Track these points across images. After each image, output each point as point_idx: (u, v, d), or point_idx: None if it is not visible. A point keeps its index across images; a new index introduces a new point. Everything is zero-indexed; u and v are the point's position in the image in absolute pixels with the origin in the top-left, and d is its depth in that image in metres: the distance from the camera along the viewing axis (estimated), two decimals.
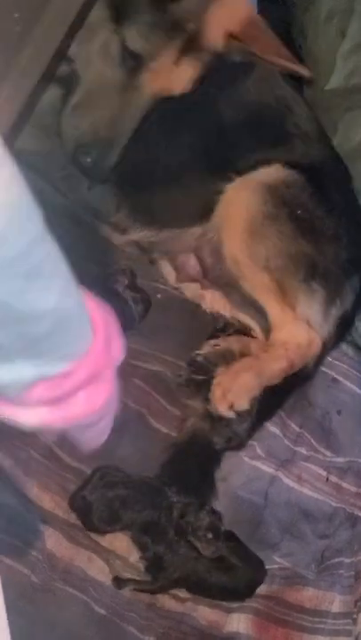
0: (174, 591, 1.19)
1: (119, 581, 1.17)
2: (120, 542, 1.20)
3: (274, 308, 1.31)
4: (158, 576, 1.17)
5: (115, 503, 1.19)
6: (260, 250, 1.30)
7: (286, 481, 1.31)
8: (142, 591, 1.17)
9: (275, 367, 1.27)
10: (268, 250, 1.30)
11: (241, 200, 1.33)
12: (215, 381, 1.26)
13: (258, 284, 1.32)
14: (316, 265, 1.31)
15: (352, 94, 1.66)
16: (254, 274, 1.31)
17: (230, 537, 1.21)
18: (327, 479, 1.33)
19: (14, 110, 1.00)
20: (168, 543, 1.18)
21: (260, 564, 1.21)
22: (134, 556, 1.19)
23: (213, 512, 1.20)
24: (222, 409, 1.24)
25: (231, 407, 1.24)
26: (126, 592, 1.17)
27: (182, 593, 1.19)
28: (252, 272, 1.31)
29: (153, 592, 1.18)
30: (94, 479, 1.20)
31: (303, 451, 1.34)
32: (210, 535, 1.17)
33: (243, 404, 1.24)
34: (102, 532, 1.19)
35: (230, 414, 1.24)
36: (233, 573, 1.19)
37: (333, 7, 1.67)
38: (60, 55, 1.15)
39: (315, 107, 1.62)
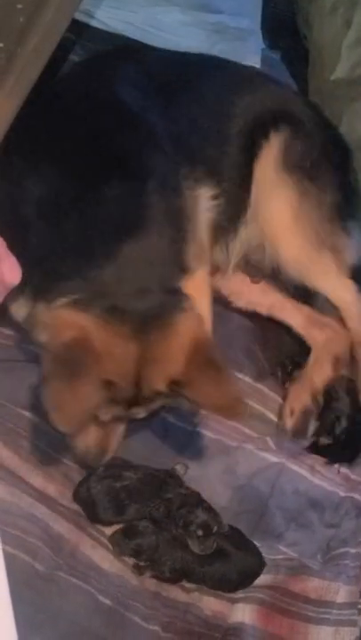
0: None
1: (140, 568, 1.17)
2: None
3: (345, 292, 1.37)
4: (152, 566, 1.18)
5: (120, 495, 1.19)
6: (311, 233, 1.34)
7: (297, 469, 1.32)
8: (158, 579, 1.17)
9: None
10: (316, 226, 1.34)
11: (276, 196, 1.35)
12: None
13: (324, 268, 1.36)
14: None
15: (357, 85, 1.66)
16: (318, 259, 1.35)
17: (232, 530, 1.21)
18: (338, 471, 1.34)
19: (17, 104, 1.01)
20: (162, 533, 1.18)
21: (257, 554, 1.21)
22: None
23: (210, 510, 1.20)
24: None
25: None
26: (131, 581, 1.17)
27: (188, 583, 1.19)
28: (314, 258, 1.35)
29: (168, 581, 1.18)
30: (99, 470, 1.19)
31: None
32: (200, 532, 1.18)
33: None
34: (107, 524, 1.19)
35: None
36: (226, 562, 1.19)
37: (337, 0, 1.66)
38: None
39: (320, 97, 1.62)
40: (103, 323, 1.04)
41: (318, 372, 1.37)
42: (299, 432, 1.35)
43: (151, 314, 1.06)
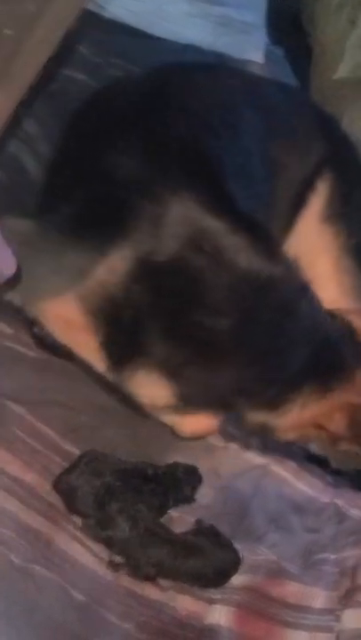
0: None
1: (114, 565, 1.15)
2: None
3: None
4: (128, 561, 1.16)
5: (100, 491, 1.17)
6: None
7: (281, 473, 1.30)
8: (134, 576, 1.16)
9: None
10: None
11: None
12: None
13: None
14: None
15: (360, 85, 1.65)
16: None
17: (210, 527, 1.20)
18: (325, 477, 1.33)
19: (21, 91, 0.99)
20: (137, 528, 1.16)
21: (233, 551, 1.19)
22: None
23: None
24: None
25: None
26: (106, 578, 1.15)
27: (163, 581, 1.17)
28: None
29: (143, 578, 1.16)
30: (81, 464, 1.18)
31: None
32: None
33: None
34: (85, 517, 1.18)
35: None
36: (202, 558, 1.17)
37: None
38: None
39: (322, 95, 1.61)
40: None
41: None
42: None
43: None
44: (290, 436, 1.17)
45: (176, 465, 1.23)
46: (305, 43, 1.77)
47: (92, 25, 1.58)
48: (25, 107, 1.15)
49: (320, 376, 1.12)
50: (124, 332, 1.10)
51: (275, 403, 1.11)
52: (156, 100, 1.22)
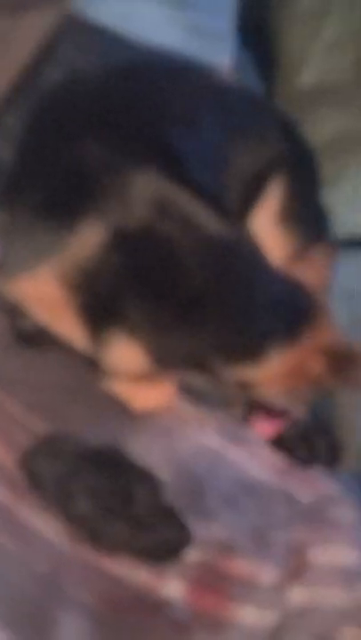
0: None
1: (75, 539, 1.20)
2: None
3: None
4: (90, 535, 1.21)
5: (63, 470, 1.21)
6: None
7: (235, 456, 1.35)
8: (95, 549, 1.21)
9: None
10: None
11: None
12: None
13: None
14: None
15: (323, 91, 1.70)
16: None
17: (166, 505, 1.25)
18: (278, 461, 1.38)
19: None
20: (98, 503, 1.21)
21: (185, 528, 1.25)
22: None
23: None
24: None
25: None
26: (67, 551, 1.20)
27: (121, 556, 1.22)
28: None
29: (104, 552, 1.21)
30: (45, 444, 1.22)
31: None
32: None
33: None
34: (47, 494, 1.22)
35: None
36: (154, 535, 1.22)
37: (309, 6, 1.71)
38: None
39: (285, 101, 1.66)
40: None
41: None
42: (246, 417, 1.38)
43: None
44: (273, 388, 1.22)
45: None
46: (272, 48, 1.82)
47: (72, 28, 1.62)
48: (6, 104, 1.20)
49: (290, 323, 1.19)
50: (100, 301, 1.16)
51: (253, 353, 1.18)
52: (120, 93, 1.28)
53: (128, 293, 1.16)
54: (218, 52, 1.79)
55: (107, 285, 1.16)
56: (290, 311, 1.21)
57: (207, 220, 1.17)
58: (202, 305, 1.17)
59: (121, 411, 1.30)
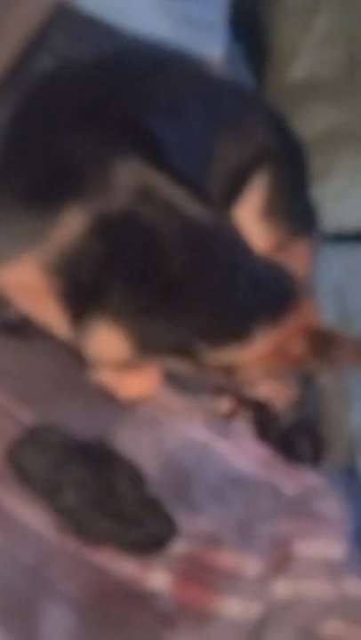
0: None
1: (62, 531, 1.20)
2: None
3: None
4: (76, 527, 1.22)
5: (51, 462, 1.22)
6: None
7: (222, 449, 1.36)
8: (80, 541, 1.21)
9: None
10: None
11: None
12: None
13: None
14: None
15: (314, 85, 1.70)
16: None
17: (151, 498, 1.26)
18: (263, 453, 1.39)
19: None
20: (85, 495, 1.22)
21: (171, 522, 1.26)
22: None
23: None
24: None
25: None
26: (53, 541, 1.20)
27: (107, 547, 1.23)
28: None
29: (89, 544, 1.22)
30: (33, 436, 1.23)
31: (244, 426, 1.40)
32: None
33: None
34: (35, 486, 1.22)
35: None
36: (140, 529, 1.24)
37: (301, 0, 1.71)
38: None
39: (275, 94, 1.66)
40: None
41: None
42: (233, 415, 1.40)
43: None
44: (256, 371, 1.22)
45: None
46: (264, 41, 1.82)
47: (63, 17, 1.62)
48: None
49: (273, 305, 1.20)
50: (81, 287, 1.16)
51: (237, 336, 1.18)
52: (107, 82, 1.28)
53: (109, 279, 1.16)
54: (209, 42, 1.79)
55: (88, 272, 1.16)
56: (273, 293, 1.21)
57: (188, 206, 1.17)
58: (183, 290, 1.17)
59: (109, 402, 1.31)
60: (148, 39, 1.61)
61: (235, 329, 1.19)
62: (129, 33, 1.66)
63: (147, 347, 1.20)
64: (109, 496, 1.23)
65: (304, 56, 1.71)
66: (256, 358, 1.21)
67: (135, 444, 1.30)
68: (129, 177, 1.15)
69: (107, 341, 1.19)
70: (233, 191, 1.34)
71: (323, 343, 1.21)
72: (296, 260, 1.32)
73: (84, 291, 1.17)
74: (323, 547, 1.32)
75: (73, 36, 1.63)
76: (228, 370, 1.23)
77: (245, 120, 1.39)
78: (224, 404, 1.39)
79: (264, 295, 1.21)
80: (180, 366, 1.24)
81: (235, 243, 1.22)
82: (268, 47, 1.78)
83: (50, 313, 1.20)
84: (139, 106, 1.25)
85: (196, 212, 1.17)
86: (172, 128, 1.25)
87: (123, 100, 1.25)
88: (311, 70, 1.70)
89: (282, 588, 1.27)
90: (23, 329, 1.26)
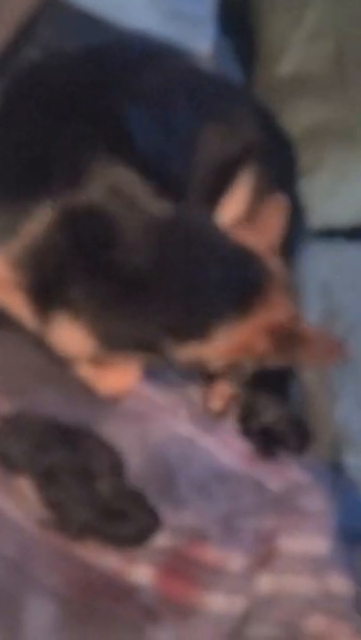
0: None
1: (44, 523, 1.20)
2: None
3: None
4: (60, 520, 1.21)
5: (31, 453, 1.21)
6: None
7: (207, 444, 1.36)
8: (63, 534, 1.21)
9: None
10: None
11: None
12: None
13: None
14: None
15: (302, 83, 1.71)
16: None
17: (134, 491, 1.25)
18: (248, 448, 1.39)
19: None
20: (70, 489, 1.22)
21: (154, 515, 1.25)
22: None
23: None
24: None
25: None
26: (35, 534, 1.20)
27: (90, 540, 1.23)
28: None
29: (73, 537, 1.21)
30: (12, 425, 1.22)
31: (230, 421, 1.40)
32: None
33: None
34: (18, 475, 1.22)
35: None
36: (123, 522, 1.23)
37: None
38: None
39: (264, 90, 1.66)
40: None
41: None
42: (223, 414, 1.39)
43: None
44: (222, 362, 1.23)
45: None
46: (253, 36, 1.82)
47: (53, 9, 1.62)
48: None
49: (238, 301, 1.19)
50: (47, 281, 1.16)
51: (201, 332, 1.17)
52: (89, 76, 1.28)
53: (72, 275, 1.16)
54: (197, 37, 1.79)
55: (52, 266, 1.16)
56: (239, 290, 1.20)
57: (152, 201, 1.17)
58: (145, 286, 1.16)
59: (92, 395, 1.30)
60: (135, 32, 1.61)
61: (196, 327, 1.18)
62: (118, 26, 1.66)
63: (110, 342, 1.20)
64: (90, 479, 1.23)
65: (293, 51, 1.71)
66: (219, 354, 1.21)
67: (119, 437, 1.29)
68: (98, 173, 1.15)
69: (70, 336, 1.19)
70: (219, 185, 1.34)
71: (287, 341, 1.20)
72: (265, 229, 1.29)
73: (48, 285, 1.17)
74: (307, 542, 1.32)
75: (63, 29, 1.63)
76: (196, 363, 1.23)
77: (233, 114, 1.39)
78: (218, 403, 1.39)
79: (229, 292, 1.20)
80: (151, 361, 1.25)
81: (202, 238, 1.21)
82: (256, 42, 1.78)
83: (19, 307, 1.20)
84: (120, 98, 1.25)
85: (162, 209, 1.17)
86: (156, 120, 1.25)
87: (107, 92, 1.25)
88: (300, 65, 1.70)
89: (266, 583, 1.27)
90: (1, 321, 1.26)
